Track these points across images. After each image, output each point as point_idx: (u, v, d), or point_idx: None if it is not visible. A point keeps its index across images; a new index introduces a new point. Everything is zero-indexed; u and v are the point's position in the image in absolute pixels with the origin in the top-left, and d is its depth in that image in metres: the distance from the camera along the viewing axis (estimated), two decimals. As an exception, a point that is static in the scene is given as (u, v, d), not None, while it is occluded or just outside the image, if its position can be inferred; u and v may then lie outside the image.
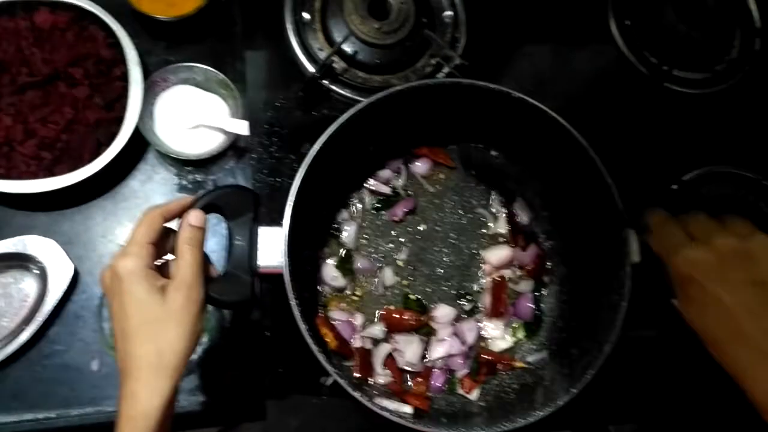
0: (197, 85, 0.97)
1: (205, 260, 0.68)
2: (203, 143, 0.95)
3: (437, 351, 0.84)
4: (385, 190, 0.90)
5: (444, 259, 0.90)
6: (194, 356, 0.89)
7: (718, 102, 1.09)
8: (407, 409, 0.78)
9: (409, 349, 0.83)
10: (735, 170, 1.04)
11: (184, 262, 0.64)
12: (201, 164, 0.97)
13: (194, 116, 0.95)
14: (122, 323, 0.62)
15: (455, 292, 0.89)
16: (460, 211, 0.92)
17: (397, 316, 0.85)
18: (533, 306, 0.88)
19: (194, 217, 0.67)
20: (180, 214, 0.68)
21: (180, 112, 0.96)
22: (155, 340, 0.61)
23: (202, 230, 0.67)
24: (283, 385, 0.85)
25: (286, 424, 0.84)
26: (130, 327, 0.61)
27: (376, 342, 0.85)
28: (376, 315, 0.87)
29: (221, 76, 0.94)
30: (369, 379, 0.82)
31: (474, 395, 0.84)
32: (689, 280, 0.64)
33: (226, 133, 0.95)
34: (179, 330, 0.62)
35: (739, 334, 0.59)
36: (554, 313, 0.89)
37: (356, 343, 0.84)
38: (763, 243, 0.61)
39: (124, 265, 0.62)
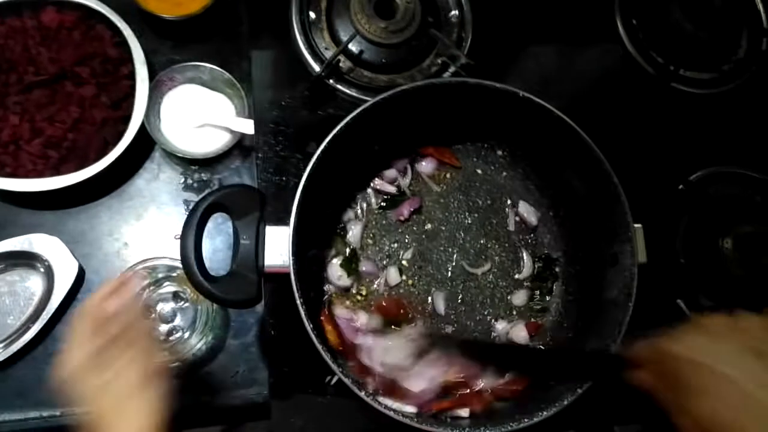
0: (203, 84, 0.98)
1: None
2: (209, 142, 0.95)
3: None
4: (391, 189, 0.90)
5: (450, 258, 0.90)
6: (199, 355, 0.89)
7: (724, 102, 1.09)
8: (410, 408, 0.77)
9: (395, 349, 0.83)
10: (742, 170, 1.04)
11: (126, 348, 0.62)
12: (207, 163, 0.97)
13: (200, 115, 0.96)
14: (93, 411, 0.61)
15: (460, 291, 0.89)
16: (466, 211, 0.91)
17: (391, 305, 0.85)
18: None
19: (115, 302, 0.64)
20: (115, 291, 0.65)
21: (186, 111, 0.96)
22: (127, 420, 0.60)
23: (131, 310, 0.65)
24: (287, 384, 0.85)
25: (290, 423, 0.84)
26: (101, 411, 0.60)
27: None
28: (372, 306, 0.87)
29: (227, 75, 0.95)
30: (369, 378, 0.82)
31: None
32: (695, 368, 0.56)
33: (231, 132, 0.95)
34: (142, 404, 0.61)
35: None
36: (560, 313, 0.89)
37: (358, 341, 0.84)
38: (748, 317, 0.59)
39: (69, 363, 0.61)
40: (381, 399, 0.72)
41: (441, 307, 0.87)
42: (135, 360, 0.62)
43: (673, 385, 0.57)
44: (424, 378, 0.77)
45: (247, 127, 0.93)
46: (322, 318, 0.83)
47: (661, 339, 0.59)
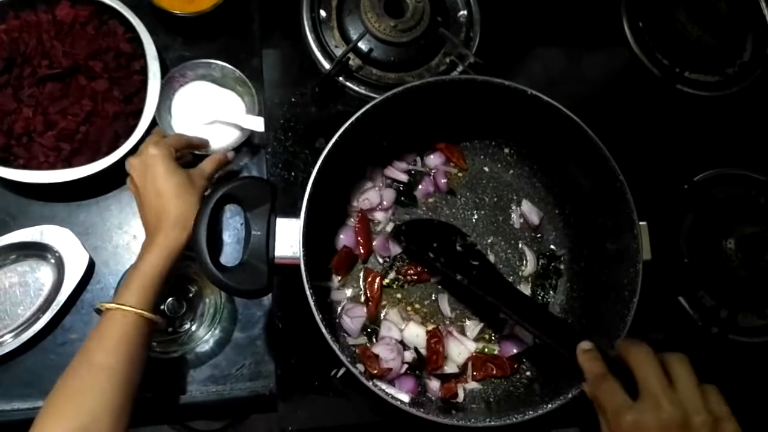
0: (214, 81, 0.99)
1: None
2: (219, 139, 0.96)
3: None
4: (402, 177, 0.91)
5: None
6: (207, 347, 0.90)
7: (729, 104, 1.10)
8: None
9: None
10: (746, 172, 1.05)
11: (207, 165, 0.88)
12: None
13: (211, 112, 0.97)
14: (158, 186, 0.80)
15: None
16: (473, 208, 0.92)
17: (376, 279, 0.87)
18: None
19: (230, 155, 0.93)
20: (189, 147, 0.91)
21: (197, 107, 0.97)
22: (184, 200, 0.80)
23: (226, 162, 0.92)
24: (294, 377, 0.86)
25: (296, 415, 0.85)
26: (166, 187, 0.80)
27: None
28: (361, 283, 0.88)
29: (238, 73, 0.96)
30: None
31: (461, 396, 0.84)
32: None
33: (241, 129, 0.96)
34: (195, 199, 0.81)
35: None
36: (564, 309, 0.89)
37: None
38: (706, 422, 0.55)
39: (155, 150, 0.82)
40: (388, 390, 0.73)
41: (446, 305, 0.88)
42: (201, 173, 0.86)
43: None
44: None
45: (258, 124, 0.94)
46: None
47: (612, 408, 0.57)
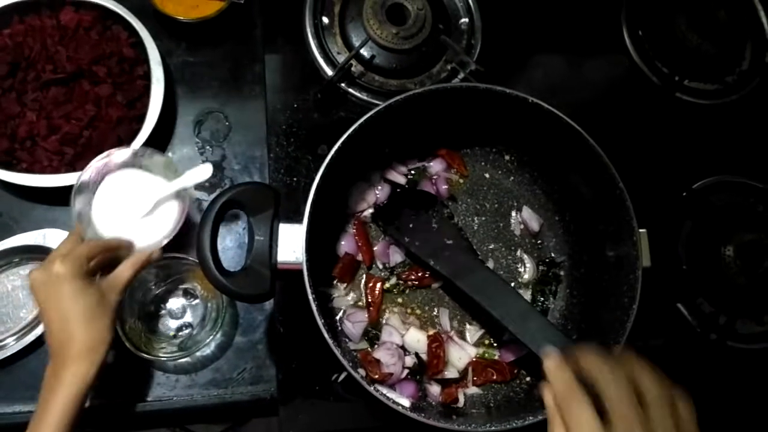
0: (142, 168, 0.87)
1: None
2: (150, 233, 0.84)
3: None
4: (401, 180, 0.92)
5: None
6: (208, 351, 0.90)
7: (728, 112, 1.11)
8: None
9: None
10: (744, 180, 1.06)
11: (126, 270, 0.76)
12: (217, 165, 0.98)
13: (142, 203, 0.84)
14: (62, 310, 0.71)
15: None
16: (474, 215, 0.93)
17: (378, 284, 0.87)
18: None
19: (155, 255, 0.80)
20: (106, 252, 0.78)
21: (125, 200, 0.84)
22: (94, 326, 0.71)
23: (149, 262, 0.79)
24: (295, 381, 0.86)
25: (297, 420, 0.85)
26: (73, 311, 0.70)
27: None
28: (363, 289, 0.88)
29: (166, 156, 0.87)
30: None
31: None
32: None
33: (179, 214, 0.85)
34: (107, 322, 0.73)
35: None
36: (564, 315, 0.90)
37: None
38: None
39: (62, 266, 0.71)
40: (389, 394, 0.73)
41: (446, 319, 0.88)
42: (114, 288, 0.75)
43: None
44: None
45: (204, 171, 0.84)
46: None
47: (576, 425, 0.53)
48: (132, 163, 0.85)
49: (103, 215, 0.83)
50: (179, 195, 0.85)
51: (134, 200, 0.84)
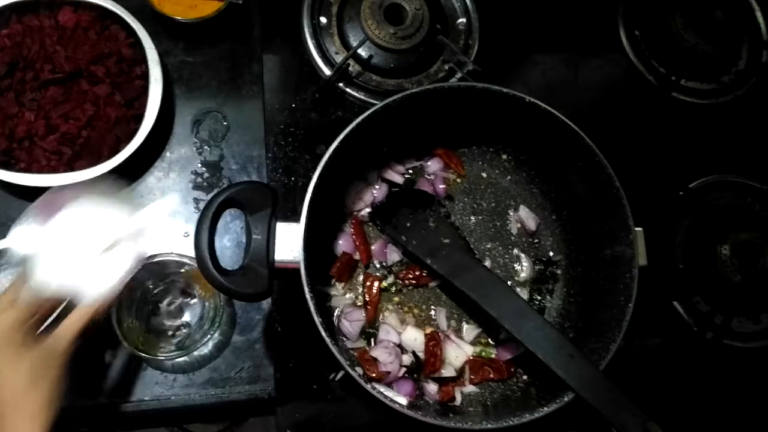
0: (94, 202, 0.77)
1: None
2: (105, 275, 0.74)
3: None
4: (398, 179, 0.92)
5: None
6: (206, 350, 0.90)
7: (725, 112, 1.11)
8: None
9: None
10: (741, 179, 1.06)
11: (69, 327, 0.68)
12: (215, 165, 0.98)
13: (99, 239, 0.75)
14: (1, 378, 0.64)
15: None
16: (471, 214, 0.93)
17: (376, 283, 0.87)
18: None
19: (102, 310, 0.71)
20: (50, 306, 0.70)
21: (79, 237, 0.74)
22: (36, 393, 0.64)
23: (98, 315, 0.71)
24: (292, 380, 0.87)
25: (294, 419, 0.85)
26: (12, 379, 0.63)
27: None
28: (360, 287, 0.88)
29: (125, 189, 0.84)
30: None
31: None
32: None
33: (136, 252, 0.77)
34: (52, 385, 0.65)
35: None
36: (561, 314, 0.90)
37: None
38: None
39: None
40: (387, 393, 0.74)
41: (443, 319, 0.88)
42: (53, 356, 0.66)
43: None
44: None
45: (160, 207, 0.82)
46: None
47: None
48: (86, 197, 0.76)
49: (50, 258, 0.71)
50: (137, 234, 0.77)
51: (87, 239, 0.73)
